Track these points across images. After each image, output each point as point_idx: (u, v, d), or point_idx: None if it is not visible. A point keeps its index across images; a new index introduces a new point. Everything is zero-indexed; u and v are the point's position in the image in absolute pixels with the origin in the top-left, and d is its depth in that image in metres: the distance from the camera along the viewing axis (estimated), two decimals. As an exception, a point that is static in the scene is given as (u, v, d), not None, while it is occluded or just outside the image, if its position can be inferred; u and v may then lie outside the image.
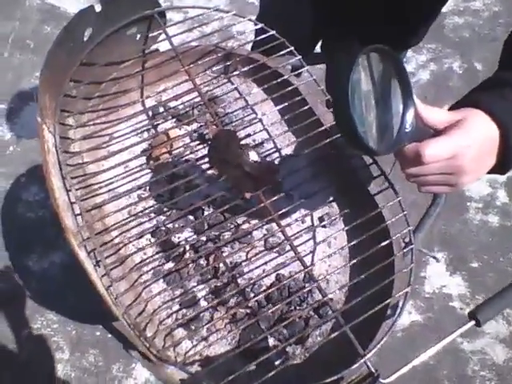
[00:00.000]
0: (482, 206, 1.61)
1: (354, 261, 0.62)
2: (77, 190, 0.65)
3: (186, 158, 0.78)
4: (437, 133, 0.49)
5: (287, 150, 0.79)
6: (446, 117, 0.49)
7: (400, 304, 0.57)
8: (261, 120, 0.80)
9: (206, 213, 0.73)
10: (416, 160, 0.47)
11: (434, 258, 1.31)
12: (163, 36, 0.74)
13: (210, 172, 0.70)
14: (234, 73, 0.78)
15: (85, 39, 0.65)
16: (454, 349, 1.37)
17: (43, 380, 1.29)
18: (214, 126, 0.65)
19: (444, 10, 0.85)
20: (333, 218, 0.72)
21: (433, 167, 0.48)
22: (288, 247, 0.67)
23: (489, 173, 0.52)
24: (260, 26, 0.72)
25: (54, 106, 0.60)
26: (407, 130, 0.47)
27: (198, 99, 0.74)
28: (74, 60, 0.64)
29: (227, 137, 0.57)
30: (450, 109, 0.52)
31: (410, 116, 0.47)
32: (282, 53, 0.73)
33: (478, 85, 0.54)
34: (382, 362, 0.57)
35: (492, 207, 1.61)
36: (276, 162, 0.77)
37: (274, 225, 0.72)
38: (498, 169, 0.52)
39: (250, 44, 0.92)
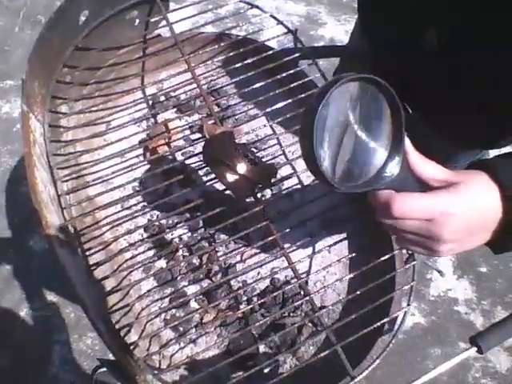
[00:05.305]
0: (495, 208, 1.55)
1: (354, 274, 0.59)
2: (67, 181, 0.62)
3: (185, 151, 0.75)
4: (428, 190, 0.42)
5: (292, 148, 0.75)
6: (441, 175, 0.42)
7: (398, 322, 0.54)
8: (265, 114, 0.76)
9: (201, 210, 0.70)
10: (385, 210, 0.40)
11: (439, 271, 1.27)
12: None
13: (208, 168, 0.66)
14: (241, 63, 0.74)
15: (80, 23, 0.61)
16: (455, 354, 1.34)
17: (39, 362, 1.29)
18: (211, 122, 0.62)
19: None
20: (335, 223, 0.69)
21: (405, 224, 0.41)
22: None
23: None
24: (266, 14, 0.67)
25: (44, 93, 0.57)
26: (386, 175, 0.40)
27: (198, 91, 0.70)
28: (67, 44, 0.61)
29: (223, 135, 0.53)
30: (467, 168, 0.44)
31: (394, 161, 0.41)
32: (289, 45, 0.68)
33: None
34: (381, 363, 0.54)
35: (506, 210, 1.55)
36: (280, 160, 0.73)
37: (271, 227, 0.69)
38: (490, 245, 0.44)
39: (259, 33, 0.87)
